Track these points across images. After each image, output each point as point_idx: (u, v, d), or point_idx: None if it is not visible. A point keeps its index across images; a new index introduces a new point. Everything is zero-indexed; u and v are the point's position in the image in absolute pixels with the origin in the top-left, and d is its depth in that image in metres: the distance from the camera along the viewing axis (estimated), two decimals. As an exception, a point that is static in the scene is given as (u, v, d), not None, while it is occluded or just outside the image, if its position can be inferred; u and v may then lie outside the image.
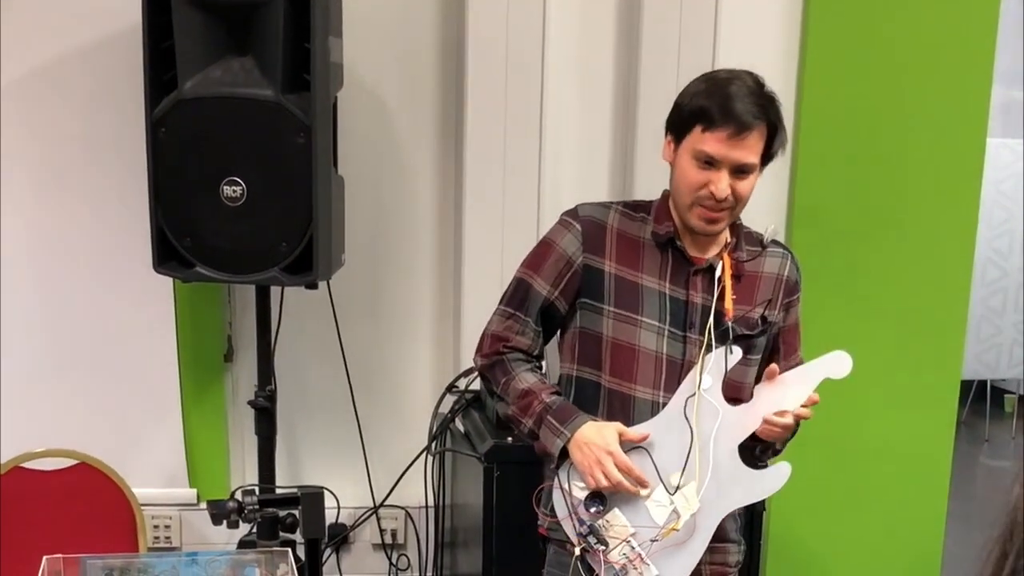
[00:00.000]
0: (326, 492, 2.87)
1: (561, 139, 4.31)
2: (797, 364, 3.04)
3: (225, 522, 2.78)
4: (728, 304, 2.87)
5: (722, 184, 2.76)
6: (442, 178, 4.35)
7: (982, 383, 8.80)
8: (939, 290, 4.45)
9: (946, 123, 4.33)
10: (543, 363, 3.17)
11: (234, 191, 3.59)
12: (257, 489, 2.96)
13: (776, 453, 2.98)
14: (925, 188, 4.36)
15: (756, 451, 2.92)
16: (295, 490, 2.81)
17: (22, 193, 4.11)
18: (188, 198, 3.63)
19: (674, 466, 2.84)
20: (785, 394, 2.84)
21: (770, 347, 3.02)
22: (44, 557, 2.80)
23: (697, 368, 2.85)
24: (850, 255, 4.31)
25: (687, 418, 2.83)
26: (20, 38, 4.01)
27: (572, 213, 3.00)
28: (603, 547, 2.86)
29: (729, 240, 2.93)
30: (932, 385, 4.50)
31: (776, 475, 2.87)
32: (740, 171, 2.76)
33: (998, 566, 0.82)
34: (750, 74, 2.81)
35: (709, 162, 2.76)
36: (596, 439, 2.82)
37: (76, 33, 4.04)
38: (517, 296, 3.05)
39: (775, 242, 3.02)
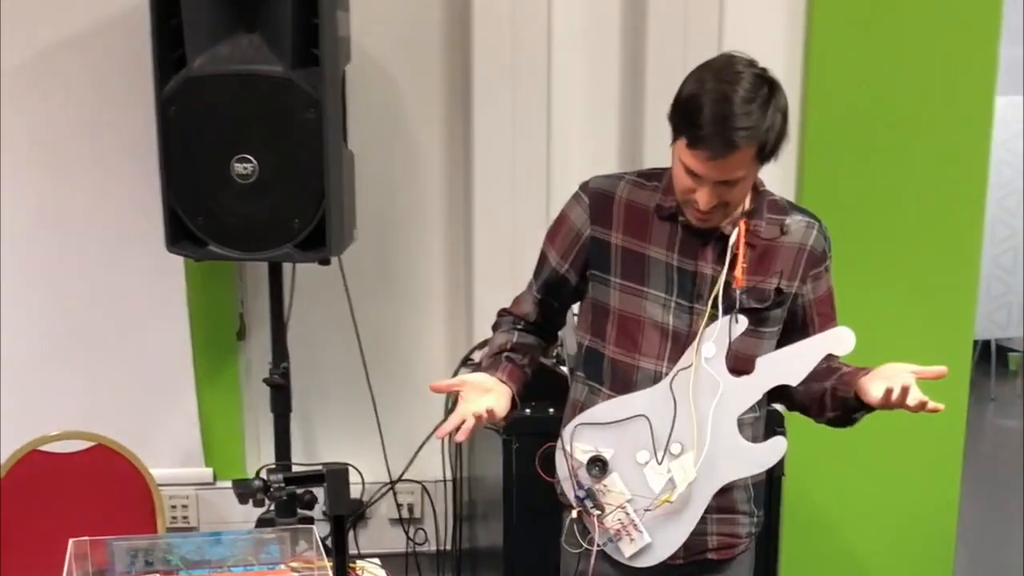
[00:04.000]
0: (350, 468, 2.85)
1: (570, 110, 4.30)
2: None
3: (251, 501, 2.78)
4: (738, 272, 2.84)
5: (705, 197, 2.70)
6: (451, 150, 4.34)
7: (986, 342, 8.81)
8: (951, 250, 4.45)
9: (954, 82, 4.32)
10: (559, 332, 3.27)
11: (245, 168, 3.58)
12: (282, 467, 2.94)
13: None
14: (935, 148, 4.36)
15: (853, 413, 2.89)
16: (320, 467, 2.80)
17: (31, 178, 4.10)
18: (199, 177, 3.63)
19: (672, 436, 2.84)
20: (788, 367, 2.83)
21: (800, 320, 2.97)
22: (70, 540, 2.78)
23: (698, 338, 2.85)
24: (862, 218, 4.29)
25: (672, 390, 2.84)
26: (24, 22, 3.99)
27: (583, 185, 3.00)
28: (598, 512, 2.89)
29: (747, 207, 2.89)
30: (945, 345, 4.49)
31: (773, 449, 2.87)
32: (726, 183, 2.70)
33: None
34: (746, 77, 2.64)
35: (694, 174, 2.70)
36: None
37: (81, 14, 4.02)
38: (537, 267, 3.11)
39: (801, 210, 2.97)
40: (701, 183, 2.70)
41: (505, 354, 3.05)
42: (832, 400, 2.87)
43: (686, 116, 2.67)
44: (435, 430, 2.91)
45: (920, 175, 4.37)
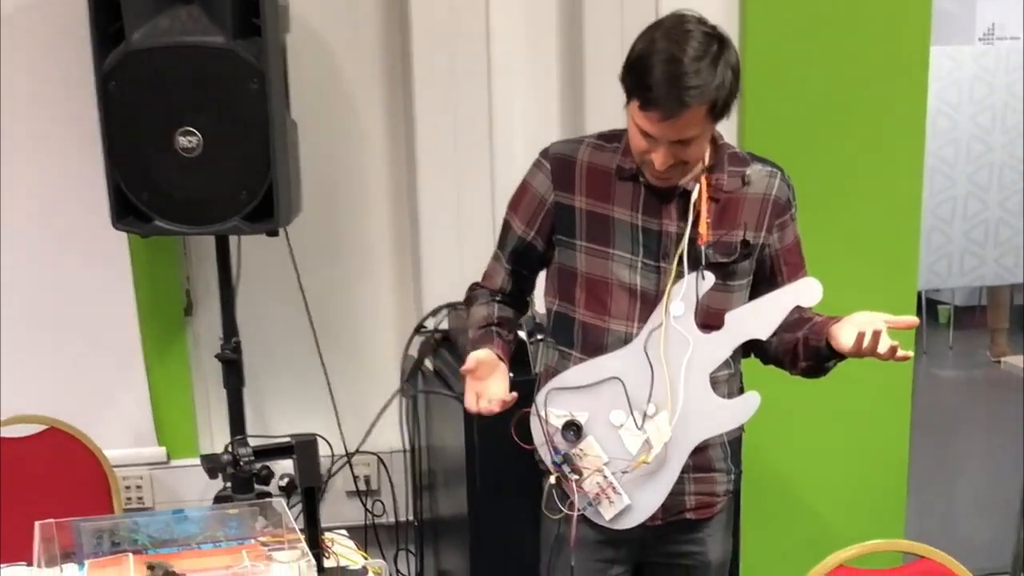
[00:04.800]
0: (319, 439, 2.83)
1: (510, 72, 4.28)
2: None
3: (221, 475, 2.75)
4: (702, 228, 2.84)
5: (660, 157, 2.71)
6: (392, 117, 4.30)
7: (916, 296, 8.93)
8: (892, 202, 4.47)
9: (890, 33, 4.34)
10: (528, 299, 3.26)
11: (189, 142, 3.52)
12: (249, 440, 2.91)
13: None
14: (872, 100, 4.38)
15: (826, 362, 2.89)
16: (288, 439, 2.77)
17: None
18: (143, 151, 3.56)
19: (645, 397, 2.84)
20: (757, 321, 2.84)
21: (769, 271, 2.97)
22: (36, 523, 2.75)
23: (665, 297, 2.84)
24: (802, 172, 4.25)
25: (646, 352, 2.83)
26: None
27: (544, 152, 3.00)
28: (576, 476, 2.90)
29: (708, 162, 2.88)
30: (889, 297, 4.48)
31: (746, 404, 2.89)
32: (680, 142, 2.70)
33: None
34: (696, 36, 2.64)
35: (648, 135, 2.70)
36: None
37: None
38: (501, 236, 3.11)
39: (763, 160, 2.97)
40: (656, 144, 2.70)
41: (494, 328, 3.04)
42: (804, 350, 2.88)
43: (637, 77, 2.66)
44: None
45: (859, 127, 4.39)
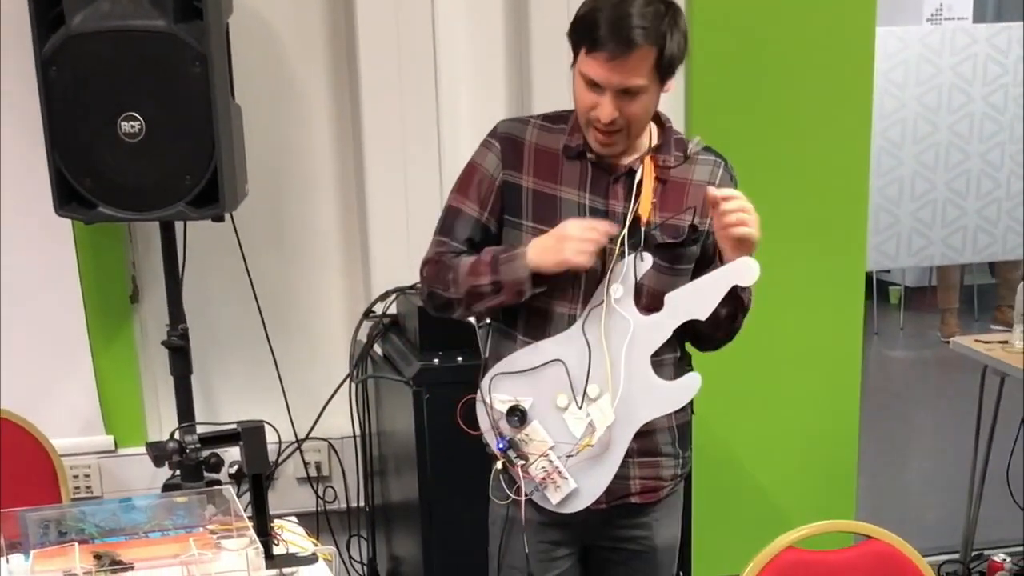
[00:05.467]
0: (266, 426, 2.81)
1: (456, 51, 4.26)
2: None
3: (167, 463, 2.72)
4: (645, 208, 2.82)
5: (606, 109, 2.70)
6: (338, 99, 4.28)
7: (867, 276, 8.97)
8: (840, 183, 4.49)
9: (835, 14, 4.36)
10: None
11: (132, 127, 3.49)
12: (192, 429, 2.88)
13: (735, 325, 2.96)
14: (819, 81, 4.39)
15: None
16: (235, 426, 2.74)
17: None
18: (85, 137, 3.52)
19: (589, 379, 2.84)
20: (695, 302, 2.83)
21: (709, 258, 2.94)
22: (-20, 514, 2.72)
23: (606, 279, 2.83)
24: (749, 154, 4.25)
25: (584, 333, 2.83)
26: None
27: (492, 132, 2.98)
28: (522, 461, 2.89)
29: (654, 142, 2.88)
30: (838, 278, 4.55)
31: (687, 385, 2.89)
32: (626, 92, 2.69)
33: None
34: None
35: (594, 84, 2.70)
36: (546, 235, 2.80)
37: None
38: (446, 223, 2.99)
39: (707, 148, 2.95)
40: (602, 93, 2.69)
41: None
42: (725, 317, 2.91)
43: (584, 27, 2.68)
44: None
45: (805, 108, 4.41)
